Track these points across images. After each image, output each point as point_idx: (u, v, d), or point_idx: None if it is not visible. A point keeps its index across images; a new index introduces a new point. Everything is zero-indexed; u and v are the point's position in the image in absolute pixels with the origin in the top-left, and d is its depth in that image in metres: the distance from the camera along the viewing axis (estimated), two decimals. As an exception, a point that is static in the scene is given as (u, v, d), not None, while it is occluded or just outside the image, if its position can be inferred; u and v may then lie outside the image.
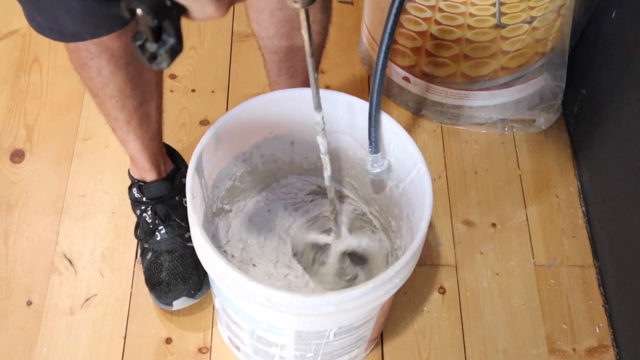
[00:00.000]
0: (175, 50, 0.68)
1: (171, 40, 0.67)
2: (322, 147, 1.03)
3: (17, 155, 1.51)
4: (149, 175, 1.29)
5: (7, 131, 1.54)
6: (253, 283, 0.93)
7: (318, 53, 1.24)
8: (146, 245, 1.32)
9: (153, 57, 0.69)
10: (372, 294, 0.96)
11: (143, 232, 1.32)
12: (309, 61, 0.89)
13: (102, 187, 1.48)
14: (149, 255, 1.31)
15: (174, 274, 1.28)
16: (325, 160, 1.04)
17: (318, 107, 0.97)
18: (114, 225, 1.43)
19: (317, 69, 1.29)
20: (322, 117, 0.98)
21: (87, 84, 1.11)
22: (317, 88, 0.95)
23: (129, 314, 1.33)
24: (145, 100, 1.16)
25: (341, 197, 1.33)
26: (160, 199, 1.30)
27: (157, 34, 0.67)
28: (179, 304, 1.28)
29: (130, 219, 1.39)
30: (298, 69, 1.23)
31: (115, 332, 1.31)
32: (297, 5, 0.78)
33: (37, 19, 0.97)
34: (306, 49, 0.87)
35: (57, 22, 0.96)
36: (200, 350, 1.30)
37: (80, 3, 0.92)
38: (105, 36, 1.00)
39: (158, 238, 1.30)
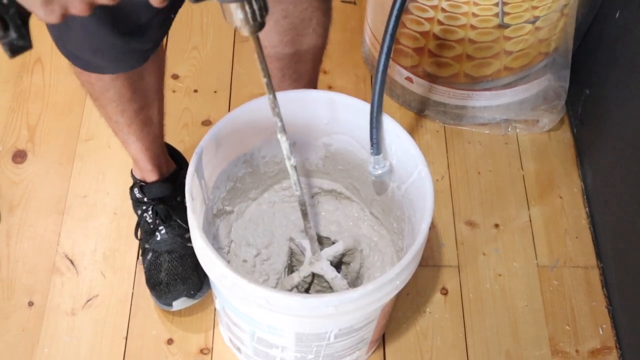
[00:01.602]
0: (16, 46, 0.70)
1: (12, 35, 0.69)
2: (293, 177, 1.02)
3: (19, 156, 1.51)
4: (151, 176, 1.29)
5: (9, 131, 1.54)
6: (252, 285, 0.93)
7: (320, 55, 1.24)
8: (146, 246, 1.32)
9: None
10: (372, 296, 0.96)
11: (143, 232, 1.32)
12: (265, 82, 0.88)
13: (104, 188, 1.48)
14: (149, 256, 1.31)
15: (174, 274, 1.28)
16: (295, 180, 1.04)
17: (282, 130, 0.95)
18: (116, 226, 1.43)
19: (318, 70, 1.30)
20: (287, 141, 0.97)
21: (87, 89, 1.11)
22: (278, 109, 0.93)
23: (131, 315, 1.33)
24: (146, 104, 1.16)
25: (339, 195, 1.32)
26: (162, 200, 1.30)
27: (4, 26, 0.69)
28: (179, 304, 1.28)
29: (131, 220, 1.39)
30: (302, 72, 1.23)
31: (116, 333, 1.31)
32: (246, 33, 0.77)
33: (62, 45, 1.00)
34: (260, 72, 0.87)
35: (82, 53, 0.99)
36: (201, 351, 1.29)
37: (100, 38, 0.94)
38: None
39: (158, 238, 1.30)
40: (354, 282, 1.27)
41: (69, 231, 1.42)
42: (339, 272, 1.22)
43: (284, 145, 0.97)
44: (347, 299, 0.94)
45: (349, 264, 1.29)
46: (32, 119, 1.57)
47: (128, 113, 1.14)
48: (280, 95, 1.14)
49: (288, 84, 1.24)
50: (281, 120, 0.94)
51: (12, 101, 1.59)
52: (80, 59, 1.01)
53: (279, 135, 0.96)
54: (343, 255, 1.26)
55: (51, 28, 0.98)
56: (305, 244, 1.22)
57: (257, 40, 0.81)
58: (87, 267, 1.38)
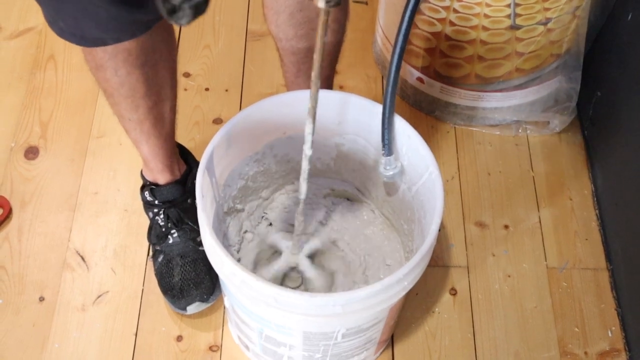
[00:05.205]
0: (200, 9, 0.66)
1: None
2: (305, 165, 1.03)
3: (32, 152, 1.52)
4: (162, 177, 1.28)
5: (22, 128, 1.55)
6: (260, 283, 0.93)
7: (335, 51, 1.24)
8: (158, 248, 1.32)
9: (173, 10, 0.66)
10: (379, 296, 0.96)
11: (155, 236, 1.32)
12: (313, 75, 0.90)
13: (115, 185, 1.48)
14: (160, 258, 1.31)
15: (186, 279, 1.28)
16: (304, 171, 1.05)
17: (310, 132, 0.98)
18: (127, 223, 1.44)
19: (334, 67, 1.30)
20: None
21: (102, 86, 1.10)
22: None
23: (140, 311, 1.34)
24: (160, 100, 1.15)
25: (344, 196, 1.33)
26: (172, 203, 1.30)
27: None
28: (193, 308, 1.28)
29: (142, 217, 1.39)
30: None
31: (126, 329, 1.32)
32: (321, 5, 0.79)
33: (59, 24, 0.98)
34: (317, 46, 0.87)
35: (80, 28, 0.97)
36: (210, 348, 1.30)
37: (105, 10, 0.93)
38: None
39: (170, 241, 1.30)
40: (329, 286, 1.27)
41: (80, 227, 1.43)
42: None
43: (308, 138, 0.99)
44: (354, 298, 0.94)
45: (322, 265, 1.29)
46: (45, 115, 1.58)
47: (142, 109, 1.13)
48: (291, 95, 1.15)
49: (303, 80, 1.24)
50: (313, 122, 0.97)
51: (25, 98, 1.60)
52: (76, 35, 0.98)
53: (306, 131, 0.98)
54: (318, 252, 1.28)
55: (46, 5, 0.96)
56: (285, 262, 1.24)
57: (326, 17, 0.83)
58: (98, 264, 1.39)
